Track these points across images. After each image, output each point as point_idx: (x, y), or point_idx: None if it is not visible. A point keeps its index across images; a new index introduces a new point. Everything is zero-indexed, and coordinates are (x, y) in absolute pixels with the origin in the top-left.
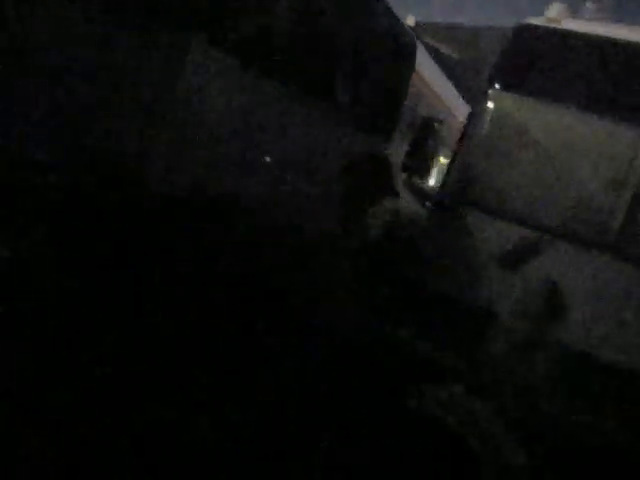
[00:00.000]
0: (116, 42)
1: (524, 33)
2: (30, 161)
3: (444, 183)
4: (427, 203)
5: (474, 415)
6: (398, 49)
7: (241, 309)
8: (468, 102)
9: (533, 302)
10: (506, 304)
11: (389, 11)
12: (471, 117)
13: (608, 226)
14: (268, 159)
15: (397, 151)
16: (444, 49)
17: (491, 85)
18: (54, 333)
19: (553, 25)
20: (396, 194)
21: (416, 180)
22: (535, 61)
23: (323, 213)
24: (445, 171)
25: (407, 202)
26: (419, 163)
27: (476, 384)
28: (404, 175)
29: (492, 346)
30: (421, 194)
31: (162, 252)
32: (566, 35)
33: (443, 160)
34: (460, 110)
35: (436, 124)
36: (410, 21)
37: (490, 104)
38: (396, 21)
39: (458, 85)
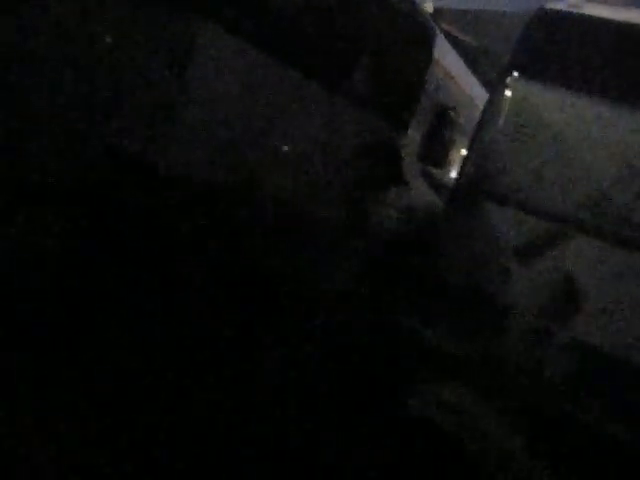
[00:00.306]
0: (128, 29)
1: (544, 19)
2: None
3: (461, 173)
4: (444, 193)
5: (478, 420)
6: (416, 35)
7: (248, 303)
8: (488, 90)
9: (550, 296)
10: (523, 297)
11: None
12: (489, 105)
13: (628, 219)
14: (286, 148)
15: (414, 140)
16: (464, 36)
17: (509, 72)
18: (57, 332)
19: (574, 10)
20: (405, 183)
21: (433, 170)
22: (555, 48)
23: (335, 201)
24: (463, 161)
25: (423, 192)
26: (435, 152)
27: (488, 381)
28: (420, 164)
29: (508, 340)
30: (438, 184)
31: (171, 250)
32: (587, 21)
33: (464, 151)
34: (480, 99)
35: (453, 113)
36: (429, 7)
37: (508, 92)
38: (414, 7)
39: (478, 73)
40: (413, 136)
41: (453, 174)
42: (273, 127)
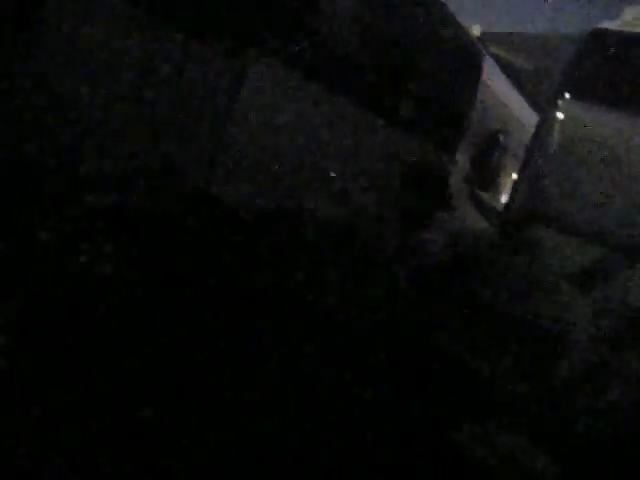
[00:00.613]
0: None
1: (597, 39)
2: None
3: (512, 198)
4: (493, 218)
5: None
6: (464, 59)
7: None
8: (538, 113)
9: (610, 325)
10: (581, 327)
11: (454, 21)
12: (540, 128)
13: None
14: (333, 173)
15: (463, 164)
16: (513, 59)
17: (561, 94)
18: (59, 334)
19: (628, 30)
20: (453, 208)
21: (482, 194)
22: (608, 68)
23: (384, 226)
24: (513, 185)
25: (472, 217)
26: (485, 176)
27: (538, 415)
28: (469, 189)
29: (562, 371)
30: (487, 208)
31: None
32: None
33: (514, 175)
34: (531, 122)
35: (502, 136)
36: (476, 31)
37: (560, 114)
38: (461, 31)
39: (528, 96)
40: (462, 160)
41: (503, 198)
42: (321, 153)
